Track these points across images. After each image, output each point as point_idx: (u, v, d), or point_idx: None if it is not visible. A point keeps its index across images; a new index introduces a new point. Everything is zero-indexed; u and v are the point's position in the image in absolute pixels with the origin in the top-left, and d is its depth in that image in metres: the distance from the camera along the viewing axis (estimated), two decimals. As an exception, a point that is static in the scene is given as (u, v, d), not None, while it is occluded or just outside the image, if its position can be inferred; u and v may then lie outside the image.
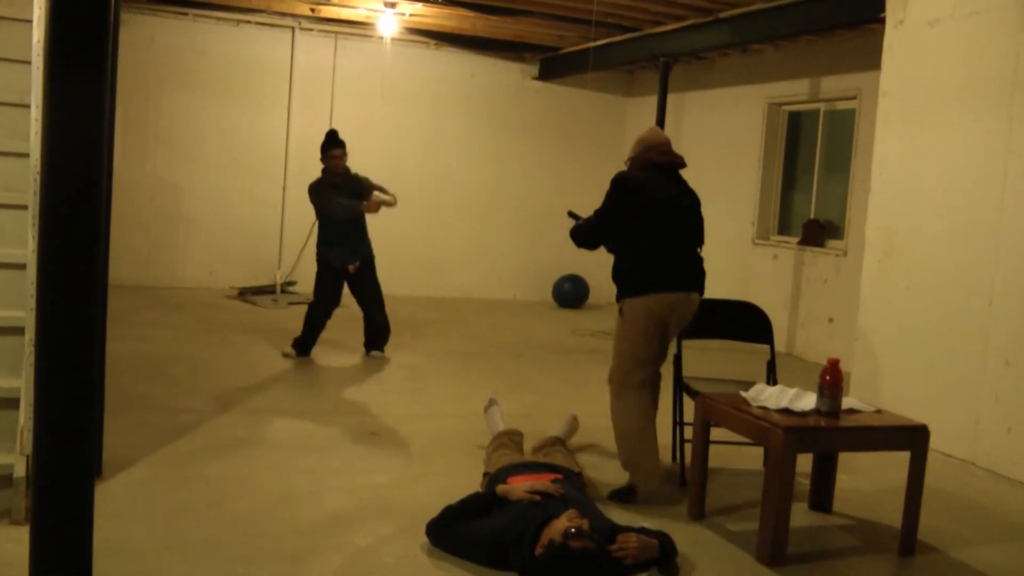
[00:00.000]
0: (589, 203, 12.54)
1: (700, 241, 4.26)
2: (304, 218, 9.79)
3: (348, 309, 8.90)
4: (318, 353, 6.67)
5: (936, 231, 5.28)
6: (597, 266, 10.83)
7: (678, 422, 4.49)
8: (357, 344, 7.20)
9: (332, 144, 6.49)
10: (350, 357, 6.68)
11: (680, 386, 4.47)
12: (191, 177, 9.47)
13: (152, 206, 9.36)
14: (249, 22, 9.44)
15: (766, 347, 4.64)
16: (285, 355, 6.51)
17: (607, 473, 4.31)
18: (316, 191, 6.49)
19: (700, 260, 4.23)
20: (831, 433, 3.52)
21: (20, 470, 3.18)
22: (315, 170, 9.71)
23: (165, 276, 9.43)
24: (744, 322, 4.70)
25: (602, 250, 4.28)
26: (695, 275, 4.17)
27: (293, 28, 9.60)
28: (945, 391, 5.13)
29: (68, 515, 1.83)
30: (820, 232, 8.20)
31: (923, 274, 5.35)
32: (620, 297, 4.10)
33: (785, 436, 3.30)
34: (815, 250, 8.15)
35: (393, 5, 8.40)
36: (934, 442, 3.67)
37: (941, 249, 5.25)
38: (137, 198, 9.13)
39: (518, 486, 3.37)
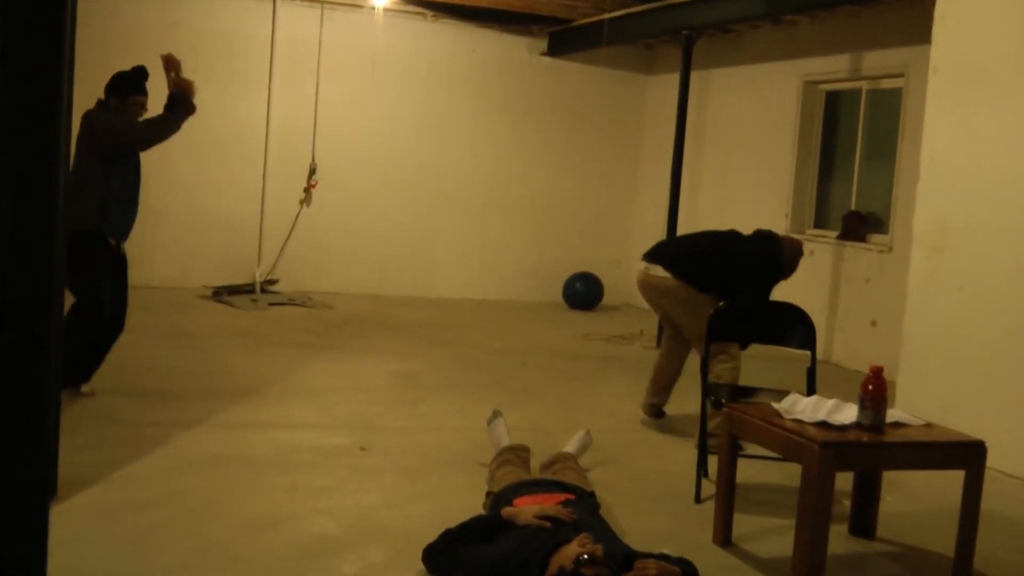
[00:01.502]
0: (600, 194, 12.46)
1: (715, 252, 5.41)
2: (288, 208, 9.86)
3: (338, 310, 8.92)
4: (304, 357, 6.66)
5: (993, 225, 5.26)
6: (612, 263, 10.85)
7: (703, 434, 4.48)
8: (346, 346, 7.20)
9: (141, 88, 5.29)
10: (338, 362, 6.67)
11: (706, 395, 4.46)
12: (159, 164, 9.36)
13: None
14: (225, -9, 9.45)
15: (803, 353, 4.62)
16: (85, 393, 5.15)
17: (622, 492, 4.30)
18: (109, 119, 5.18)
19: (691, 245, 5.62)
20: (874, 449, 3.51)
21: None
22: (299, 155, 9.82)
23: (130, 274, 9.40)
24: (782, 325, 4.68)
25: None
26: (665, 252, 5.42)
27: (274, -2, 9.61)
28: (1004, 402, 5.10)
29: (20, 541, 1.82)
30: (862, 225, 8.17)
31: (978, 272, 5.33)
32: None
33: (822, 452, 3.29)
34: (856, 245, 8.12)
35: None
36: (991, 460, 3.65)
37: (998, 245, 5.23)
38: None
39: (526, 509, 3.35)
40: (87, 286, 5.10)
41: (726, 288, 5.11)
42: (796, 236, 8.72)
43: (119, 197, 5.19)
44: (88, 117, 5.18)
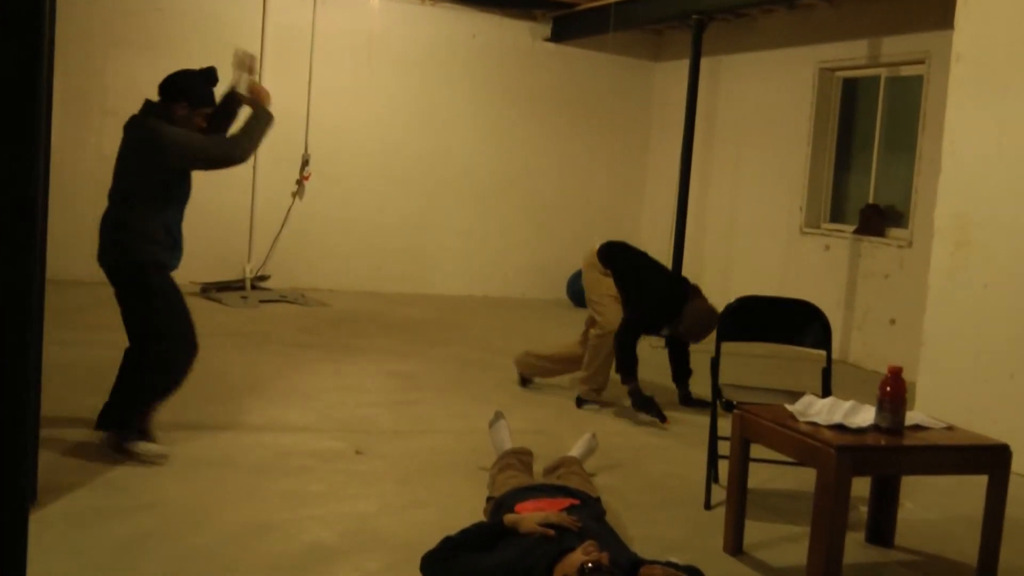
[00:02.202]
0: (606, 186, 12.39)
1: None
2: (279, 201, 9.85)
3: (332, 307, 8.93)
4: (297, 357, 6.66)
5: (1019, 219, 5.26)
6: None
7: (713, 437, 4.48)
8: (341, 345, 7.20)
9: (210, 96, 4.64)
10: (333, 362, 6.68)
11: (716, 396, 4.46)
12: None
13: (97, 189, 9.15)
14: (213, -26, 9.45)
15: (819, 352, 4.62)
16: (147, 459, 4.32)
17: (629, 498, 4.31)
18: (170, 131, 4.43)
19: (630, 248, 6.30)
20: (892, 453, 3.51)
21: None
22: (291, 145, 9.81)
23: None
24: (797, 323, 4.69)
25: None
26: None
27: (265, -19, 9.61)
28: (1027, 405, 5.10)
29: (-2, 548, 1.82)
30: (880, 219, 8.17)
31: (1002, 269, 5.32)
32: None
33: (838, 457, 3.29)
34: (874, 240, 8.12)
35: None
36: (1016, 464, 3.65)
37: None
38: (80, 181, 9.12)
39: (529, 516, 3.36)
40: (166, 322, 4.42)
41: (624, 288, 5.91)
42: (809, 230, 8.79)
43: (178, 218, 4.67)
44: (151, 131, 4.44)
